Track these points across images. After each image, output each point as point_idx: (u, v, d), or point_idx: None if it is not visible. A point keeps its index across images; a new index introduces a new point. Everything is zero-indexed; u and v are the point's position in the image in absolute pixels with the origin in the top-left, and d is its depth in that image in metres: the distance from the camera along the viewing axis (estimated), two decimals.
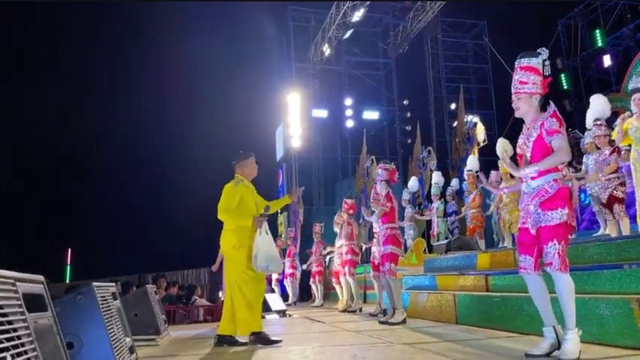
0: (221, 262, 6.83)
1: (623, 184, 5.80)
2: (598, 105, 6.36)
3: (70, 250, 25.99)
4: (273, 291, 11.07)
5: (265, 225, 4.17)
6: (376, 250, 6.47)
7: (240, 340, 4.16)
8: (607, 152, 5.88)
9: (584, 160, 6.39)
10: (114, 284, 3.08)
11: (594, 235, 6.44)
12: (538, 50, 3.07)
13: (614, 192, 5.70)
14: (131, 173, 22.62)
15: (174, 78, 20.63)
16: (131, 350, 3.02)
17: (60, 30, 20.72)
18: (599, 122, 6.07)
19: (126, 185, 22.93)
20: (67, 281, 23.18)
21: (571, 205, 2.90)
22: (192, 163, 21.52)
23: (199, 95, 21.91)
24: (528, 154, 3.01)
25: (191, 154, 21.77)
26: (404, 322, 5.16)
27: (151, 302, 4.58)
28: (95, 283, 2.61)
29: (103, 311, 2.57)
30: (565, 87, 18.62)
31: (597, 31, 17.82)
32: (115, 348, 2.54)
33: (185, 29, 21.37)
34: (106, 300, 2.71)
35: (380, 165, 5.70)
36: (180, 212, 20.99)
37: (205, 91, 21.72)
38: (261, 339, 4.06)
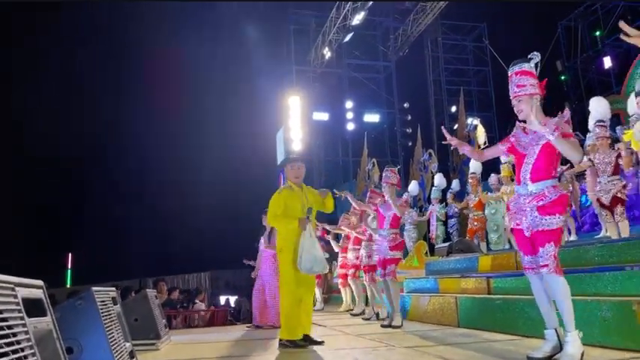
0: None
1: (625, 186, 5.82)
2: (599, 107, 6.41)
3: (70, 254, 25.99)
4: None
5: (310, 227, 4.23)
6: (364, 254, 6.55)
7: (300, 342, 4.08)
8: (613, 155, 5.88)
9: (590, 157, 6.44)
10: (114, 289, 3.07)
11: (596, 237, 6.43)
12: (529, 55, 3.09)
13: (618, 194, 5.72)
14: (133, 178, 22.63)
15: (174, 82, 20.66)
16: (131, 355, 3.01)
17: (64, 30, 20.76)
18: (601, 124, 6.09)
19: (128, 190, 22.95)
20: (68, 285, 23.18)
21: (567, 212, 2.93)
22: (192, 167, 21.56)
23: (200, 99, 21.94)
24: (532, 158, 2.98)
25: (191, 158, 21.82)
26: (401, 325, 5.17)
27: (151, 307, 4.57)
28: (95, 288, 2.60)
29: (103, 316, 2.56)
30: (565, 89, 18.62)
31: (597, 32, 17.83)
32: (114, 353, 2.53)
33: (185, 33, 21.43)
34: (105, 305, 2.71)
35: (388, 168, 5.67)
36: (181, 217, 21.02)
37: (206, 95, 21.76)
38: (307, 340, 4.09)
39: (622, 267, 3.66)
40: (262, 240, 6.72)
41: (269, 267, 6.53)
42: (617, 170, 5.84)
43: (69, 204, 23.41)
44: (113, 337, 2.62)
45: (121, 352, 2.72)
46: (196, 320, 7.84)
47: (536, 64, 3.06)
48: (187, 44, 21.08)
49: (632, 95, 5.75)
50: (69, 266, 26.03)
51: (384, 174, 5.65)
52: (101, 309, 2.57)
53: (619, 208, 5.68)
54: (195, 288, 11.43)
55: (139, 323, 4.40)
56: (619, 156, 5.86)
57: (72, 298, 2.55)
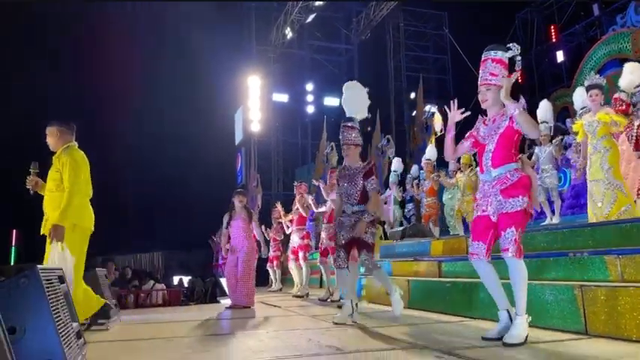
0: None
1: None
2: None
3: (15, 231, 24.85)
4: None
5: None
6: (325, 237, 6.48)
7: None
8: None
9: (536, 150, 7.07)
10: (60, 267, 2.96)
11: (542, 224, 6.73)
12: (509, 45, 3.10)
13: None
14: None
15: (129, 59, 19.85)
16: (78, 335, 2.92)
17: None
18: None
19: None
20: (12, 264, 22.23)
21: (531, 194, 2.95)
22: (146, 144, 20.87)
23: (156, 75, 21.21)
24: (492, 146, 3.03)
25: (145, 136, 21.10)
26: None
27: (100, 286, 4.45)
28: (40, 266, 2.50)
29: (49, 295, 2.46)
30: (519, 80, 19.17)
31: (552, 26, 18.40)
32: (60, 333, 2.44)
33: (139, 9, 20.55)
34: (52, 283, 2.60)
35: None
36: (134, 195, 20.45)
37: (163, 71, 21.05)
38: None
39: (565, 253, 3.83)
40: (240, 220, 6.32)
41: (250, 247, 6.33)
42: None
43: (12, 178, 22.28)
44: (59, 316, 2.53)
45: (68, 332, 2.63)
46: (149, 300, 7.70)
47: (514, 57, 3.06)
48: (142, 21, 20.24)
49: (579, 89, 6.07)
50: (13, 244, 24.91)
51: None
52: (47, 287, 2.47)
53: None
54: (151, 270, 11.20)
55: None
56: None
57: (15, 276, 2.43)
